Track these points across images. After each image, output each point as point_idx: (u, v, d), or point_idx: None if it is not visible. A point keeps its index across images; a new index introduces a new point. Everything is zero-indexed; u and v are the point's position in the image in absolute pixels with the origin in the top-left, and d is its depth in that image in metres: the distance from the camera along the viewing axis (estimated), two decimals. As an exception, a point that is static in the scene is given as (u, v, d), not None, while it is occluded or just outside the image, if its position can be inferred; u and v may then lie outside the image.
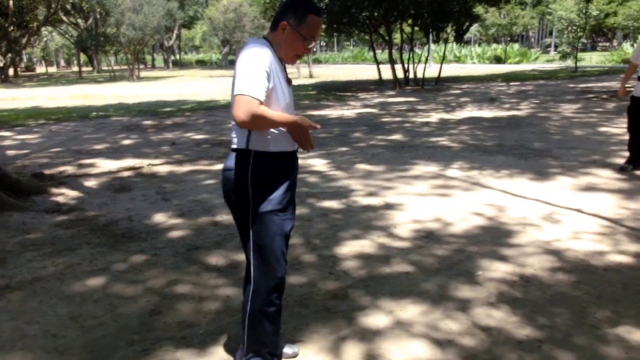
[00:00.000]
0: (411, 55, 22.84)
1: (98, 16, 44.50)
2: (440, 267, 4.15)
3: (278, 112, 2.45)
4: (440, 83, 23.29)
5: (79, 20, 49.66)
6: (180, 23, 50.97)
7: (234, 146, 2.56)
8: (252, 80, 2.32)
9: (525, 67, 39.00)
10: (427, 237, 4.80)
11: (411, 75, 22.97)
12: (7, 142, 11.37)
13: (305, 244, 4.75)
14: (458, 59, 50.68)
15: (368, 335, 3.22)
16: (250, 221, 2.59)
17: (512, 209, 5.51)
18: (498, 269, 4.07)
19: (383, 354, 3.02)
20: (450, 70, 35.78)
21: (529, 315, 3.38)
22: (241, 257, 4.52)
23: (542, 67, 36.63)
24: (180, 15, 43.81)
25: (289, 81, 2.60)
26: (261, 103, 2.34)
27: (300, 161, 8.14)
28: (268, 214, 2.55)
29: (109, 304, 3.76)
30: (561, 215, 5.29)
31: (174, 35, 54.81)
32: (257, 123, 2.35)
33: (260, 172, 2.52)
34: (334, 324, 3.37)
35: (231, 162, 2.57)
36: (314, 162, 8.05)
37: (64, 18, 48.12)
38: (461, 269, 4.09)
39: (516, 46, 53.08)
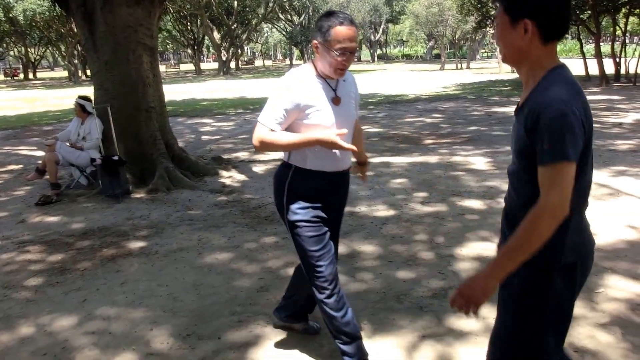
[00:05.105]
0: (624, 49, 20.61)
1: (310, 13, 47.17)
2: (562, 279, 3.84)
3: (298, 133, 2.56)
4: (659, 79, 20.67)
5: (294, 17, 53.17)
6: (387, 18, 51.88)
7: (281, 157, 2.77)
8: (271, 111, 2.53)
9: None
10: (563, 247, 4.44)
11: (623, 71, 20.77)
12: (205, 128, 12.76)
13: (428, 241, 4.70)
14: None
15: (448, 338, 3.14)
16: (288, 227, 2.75)
17: (681, 226, 4.84)
18: (626, 289, 3.65)
19: (456, 358, 2.94)
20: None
21: (640, 344, 3.01)
22: (362, 247, 4.66)
23: None
24: (385, 11, 44.63)
25: (335, 101, 2.62)
26: (272, 130, 2.53)
27: (460, 158, 8.00)
28: (298, 222, 2.68)
29: (228, 277, 4.15)
30: None
31: (380, 30, 56.05)
32: (266, 149, 2.60)
33: (296, 186, 2.67)
34: (421, 322, 3.34)
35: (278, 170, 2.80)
36: (474, 160, 7.81)
37: (281, 15, 51.86)
38: (583, 283, 3.74)
39: None
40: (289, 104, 2.51)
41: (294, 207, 2.68)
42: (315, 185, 2.67)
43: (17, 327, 3.50)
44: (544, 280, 1.82)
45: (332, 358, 2.99)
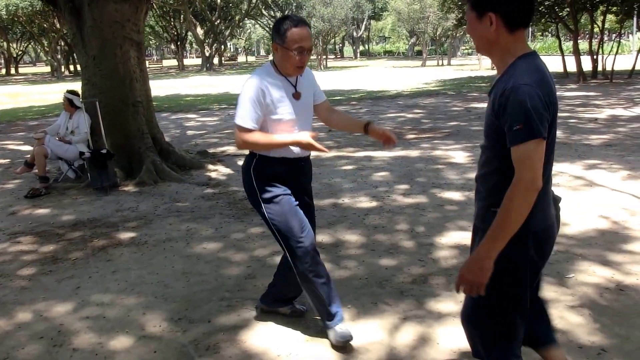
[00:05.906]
0: (601, 46, 21.00)
1: (293, 9, 47.22)
2: (535, 265, 4.05)
3: (277, 134, 2.85)
4: (634, 76, 21.11)
5: (277, 14, 53.12)
6: (369, 14, 52.09)
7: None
8: (245, 111, 2.77)
9: None
10: (537, 236, 4.66)
11: (600, 68, 21.17)
12: (190, 123, 12.87)
13: (409, 231, 4.90)
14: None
15: (429, 320, 3.33)
16: (263, 210, 2.95)
17: (649, 215, 5.09)
18: (595, 274, 3.87)
19: (434, 339, 3.12)
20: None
21: (606, 324, 3.21)
22: (346, 237, 4.84)
23: None
24: (367, 7, 44.86)
25: (296, 96, 2.90)
26: (252, 130, 2.79)
27: (440, 152, 8.21)
28: (274, 197, 2.91)
29: (217, 265, 4.30)
30: None
31: (363, 26, 56.30)
32: (250, 147, 2.86)
33: (262, 173, 2.92)
34: (403, 305, 3.53)
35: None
36: (454, 154, 8.03)
37: (264, 12, 51.80)
38: (554, 269, 3.96)
39: None
40: (258, 102, 2.77)
41: (266, 186, 2.91)
42: (277, 170, 2.91)
43: (13, 313, 3.63)
44: (503, 251, 1.94)
45: (319, 338, 3.16)
